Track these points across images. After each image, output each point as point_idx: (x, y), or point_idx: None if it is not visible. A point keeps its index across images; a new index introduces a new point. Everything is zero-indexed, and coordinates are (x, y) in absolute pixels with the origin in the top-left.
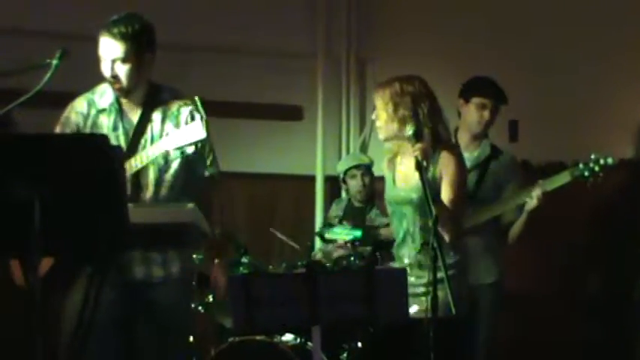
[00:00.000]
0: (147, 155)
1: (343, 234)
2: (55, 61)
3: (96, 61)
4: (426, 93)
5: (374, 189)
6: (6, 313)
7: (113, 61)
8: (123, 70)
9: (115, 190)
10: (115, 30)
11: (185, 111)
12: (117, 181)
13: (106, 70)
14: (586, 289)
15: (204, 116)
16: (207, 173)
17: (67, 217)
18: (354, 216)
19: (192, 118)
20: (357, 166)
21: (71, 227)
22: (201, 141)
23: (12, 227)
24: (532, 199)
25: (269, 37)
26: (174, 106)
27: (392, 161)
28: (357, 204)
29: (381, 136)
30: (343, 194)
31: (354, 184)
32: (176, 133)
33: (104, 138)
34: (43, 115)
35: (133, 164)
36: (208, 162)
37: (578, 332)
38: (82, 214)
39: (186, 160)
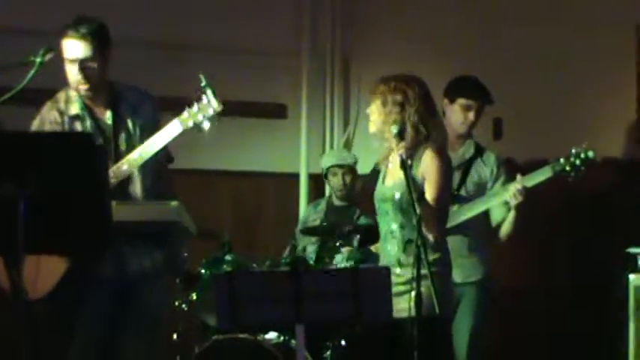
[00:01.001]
0: (136, 159)
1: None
2: (38, 59)
3: None
4: (419, 92)
5: (358, 187)
6: None
7: (82, 62)
8: (91, 70)
9: (98, 187)
10: (82, 30)
11: (148, 101)
12: (100, 178)
13: (73, 73)
14: (569, 286)
15: (213, 89)
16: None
17: (51, 215)
18: (337, 216)
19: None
20: (339, 165)
21: (55, 225)
22: (218, 113)
23: None
24: (512, 195)
25: (253, 35)
26: (137, 99)
27: (385, 160)
28: (337, 202)
29: (370, 129)
30: (326, 193)
31: (335, 181)
32: (189, 112)
33: (89, 136)
34: (27, 112)
35: (134, 163)
36: (164, 156)
37: (561, 328)
38: (66, 212)
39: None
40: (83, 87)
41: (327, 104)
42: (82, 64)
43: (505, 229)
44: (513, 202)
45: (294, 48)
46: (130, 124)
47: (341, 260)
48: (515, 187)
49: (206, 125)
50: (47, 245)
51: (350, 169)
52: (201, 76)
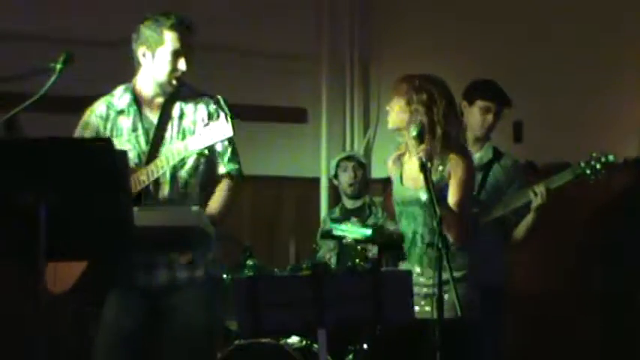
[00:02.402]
0: (173, 157)
1: (353, 231)
2: (58, 66)
3: (101, 65)
4: (444, 94)
5: (366, 189)
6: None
7: (184, 54)
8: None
9: (118, 193)
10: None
11: (202, 108)
12: (120, 184)
13: (183, 64)
14: (590, 290)
15: (228, 113)
16: (224, 170)
17: (72, 222)
18: (352, 218)
19: (210, 116)
20: (348, 158)
21: (76, 232)
22: (228, 139)
23: (18, 232)
24: (536, 196)
25: (273, 39)
26: (191, 103)
27: (399, 159)
28: (349, 205)
29: (390, 125)
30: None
31: (345, 176)
32: (202, 133)
33: (108, 142)
34: (47, 119)
35: (160, 166)
36: (226, 158)
37: (582, 333)
38: (87, 218)
39: (202, 156)
40: (177, 78)
41: (347, 108)
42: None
43: (521, 231)
44: (535, 204)
45: (314, 52)
46: (175, 125)
47: (352, 225)
48: (540, 188)
49: (218, 147)
50: (68, 252)
51: (359, 163)
52: (220, 98)
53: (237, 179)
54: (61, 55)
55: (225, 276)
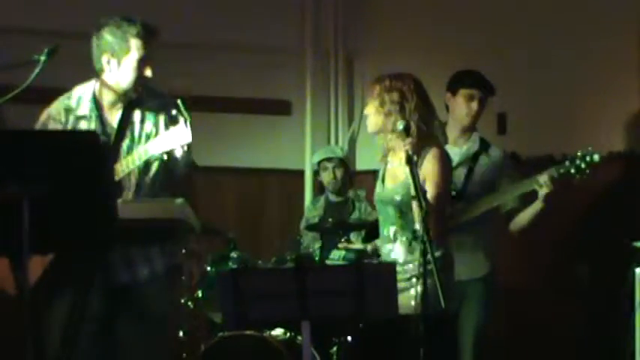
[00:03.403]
0: (133, 161)
1: (340, 259)
2: (42, 58)
3: (83, 57)
4: (415, 90)
5: (351, 182)
6: None
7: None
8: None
9: (103, 185)
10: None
11: (163, 112)
12: (105, 176)
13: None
14: (575, 284)
15: (187, 118)
16: (183, 172)
17: (56, 215)
18: (334, 213)
19: (172, 119)
20: (328, 159)
21: (60, 224)
22: (187, 144)
23: (1, 226)
24: (541, 186)
25: (257, 32)
26: (152, 107)
27: (384, 158)
28: (333, 199)
29: (369, 129)
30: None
31: (326, 176)
32: (161, 137)
33: (93, 134)
34: (31, 111)
35: (120, 170)
36: (184, 161)
37: (567, 327)
38: (71, 211)
39: (162, 161)
40: (140, 85)
41: (331, 100)
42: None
43: (525, 218)
44: (543, 192)
45: (298, 45)
46: (137, 130)
47: (337, 259)
48: (544, 178)
49: (178, 153)
50: (52, 245)
51: (340, 162)
52: (179, 101)
53: (190, 176)
54: (45, 48)
55: (209, 268)
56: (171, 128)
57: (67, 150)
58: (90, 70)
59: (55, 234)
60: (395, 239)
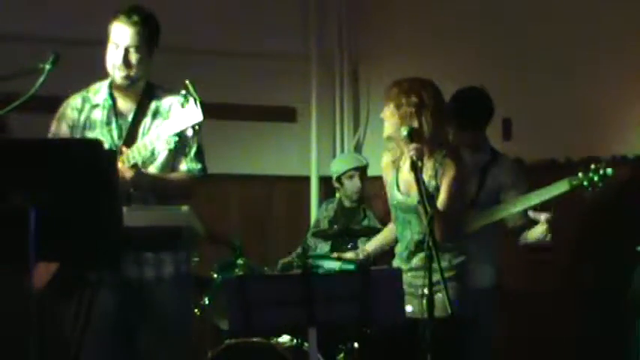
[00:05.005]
0: (144, 145)
1: (335, 267)
2: (47, 66)
3: (89, 65)
4: (434, 96)
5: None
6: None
7: (126, 49)
8: (135, 58)
9: (108, 193)
10: (134, 17)
11: (176, 103)
12: (110, 184)
13: (116, 57)
14: (581, 286)
15: (198, 98)
16: (185, 167)
17: (62, 223)
18: (344, 217)
19: (183, 100)
20: (356, 168)
21: (66, 232)
22: (198, 124)
23: (7, 233)
24: (543, 224)
25: (262, 39)
26: (166, 101)
27: (394, 164)
28: (348, 204)
29: (385, 133)
30: (337, 194)
31: (352, 185)
32: (173, 118)
33: (98, 142)
34: (36, 119)
35: (131, 156)
36: (189, 157)
37: (573, 329)
38: (77, 219)
39: (170, 153)
40: (120, 73)
41: (336, 107)
42: (127, 52)
43: (532, 237)
44: (544, 218)
45: (302, 52)
46: (148, 123)
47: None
48: (543, 225)
49: (189, 133)
50: (58, 254)
51: (364, 171)
52: (188, 83)
53: (196, 179)
54: (49, 56)
55: (215, 275)
56: (182, 109)
57: (71, 158)
58: (94, 78)
59: (60, 242)
60: (417, 247)
